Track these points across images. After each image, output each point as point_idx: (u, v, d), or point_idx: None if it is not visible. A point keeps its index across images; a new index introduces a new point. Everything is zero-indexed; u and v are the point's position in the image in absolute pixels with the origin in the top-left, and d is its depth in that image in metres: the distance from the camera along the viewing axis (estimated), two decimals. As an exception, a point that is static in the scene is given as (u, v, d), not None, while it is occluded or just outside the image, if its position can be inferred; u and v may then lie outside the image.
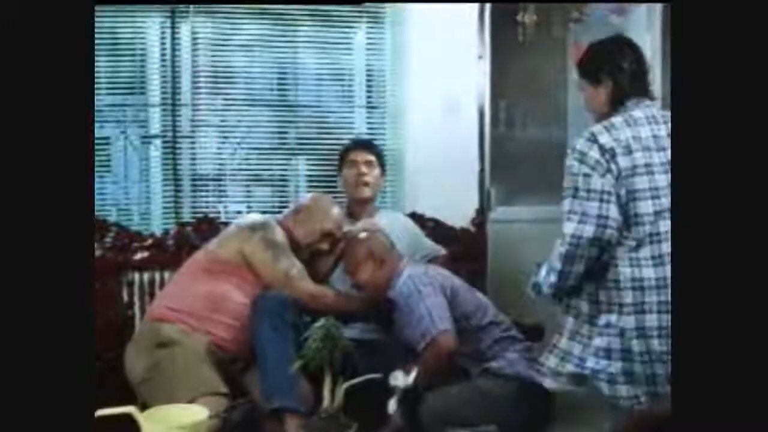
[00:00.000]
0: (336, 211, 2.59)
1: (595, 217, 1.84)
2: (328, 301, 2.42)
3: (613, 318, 1.86)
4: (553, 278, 1.93)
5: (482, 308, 2.38)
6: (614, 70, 2.02)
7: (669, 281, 1.80)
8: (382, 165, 2.80)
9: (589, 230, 1.84)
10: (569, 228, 1.87)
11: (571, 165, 1.92)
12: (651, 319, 1.82)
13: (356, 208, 2.76)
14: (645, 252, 1.85)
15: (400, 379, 2.16)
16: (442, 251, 2.83)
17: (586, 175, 1.88)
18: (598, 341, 1.88)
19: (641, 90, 2.02)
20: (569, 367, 1.93)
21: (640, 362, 1.83)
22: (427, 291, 2.29)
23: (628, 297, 1.84)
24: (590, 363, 1.88)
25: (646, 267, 1.84)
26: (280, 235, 2.45)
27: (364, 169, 2.72)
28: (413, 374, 2.12)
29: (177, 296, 2.40)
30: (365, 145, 2.81)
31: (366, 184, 2.73)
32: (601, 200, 1.85)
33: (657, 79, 3.34)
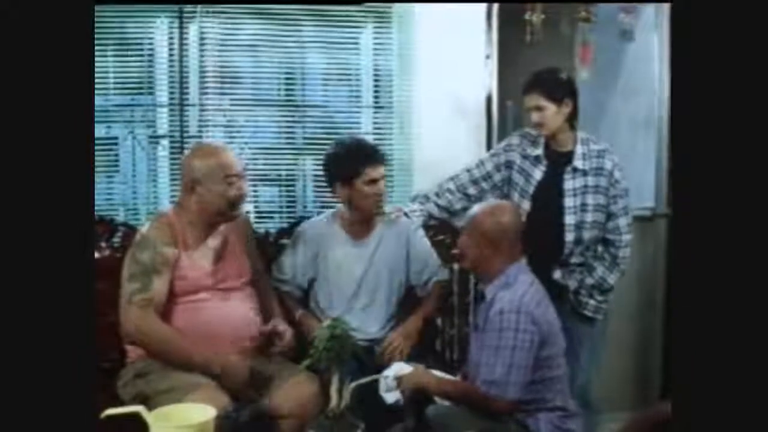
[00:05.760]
0: (219, 150, 2.34)
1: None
2: (159, 340, 2.19)
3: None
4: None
5: (559, 357, 2.17)
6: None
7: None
8: None
9: None
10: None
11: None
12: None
13: (365, 218, 2.62)
14: None
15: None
16: (444, 276, 2.73)
17: None
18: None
19: None
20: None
21: None
22: (522, 339, 2.05)
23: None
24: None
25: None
26: (153, 250, 2.20)
27: (383, 185, 2.57)
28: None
29: None
30: (379, 158, 2.57)
31: (384, 199, 2.62)
32: None
33: (665, 78, 3.35)
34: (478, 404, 2.09)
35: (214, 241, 2.34)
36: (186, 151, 2.70)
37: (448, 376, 2.27)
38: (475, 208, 2.28)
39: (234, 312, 2.31)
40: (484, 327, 2.15)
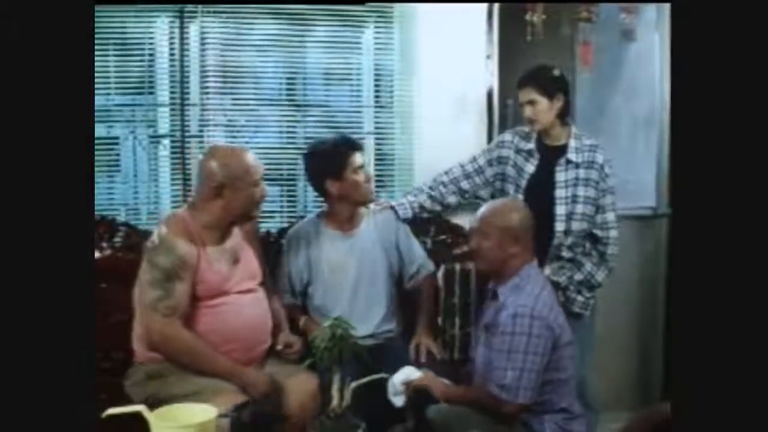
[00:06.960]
0: (243, 153, 2.29)
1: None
2: (183, 348, 2.15)
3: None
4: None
5: (567, 359, 2.15)
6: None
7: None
8: None
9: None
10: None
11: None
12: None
13: (354, 209, 2.68)
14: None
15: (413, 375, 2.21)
16: (432, 267, 2.78)
17: None
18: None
19: None
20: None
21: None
22: (536, 344, 2.02)
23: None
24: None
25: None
26: (173, 254, 2.15)
27: (369, 171, 2.67)
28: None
29: None
30: (358, 144, 2.65)
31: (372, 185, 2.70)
32: None
33: (666, 78, 3.34)
34: (487, 408, 2.08)
35: (230, 244, 2.32)
36: (200, 154, 2.66)
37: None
38: (487, 206, 2.27)
39: (250, 315, 2.30)
40: (494, 329, 2.12)
